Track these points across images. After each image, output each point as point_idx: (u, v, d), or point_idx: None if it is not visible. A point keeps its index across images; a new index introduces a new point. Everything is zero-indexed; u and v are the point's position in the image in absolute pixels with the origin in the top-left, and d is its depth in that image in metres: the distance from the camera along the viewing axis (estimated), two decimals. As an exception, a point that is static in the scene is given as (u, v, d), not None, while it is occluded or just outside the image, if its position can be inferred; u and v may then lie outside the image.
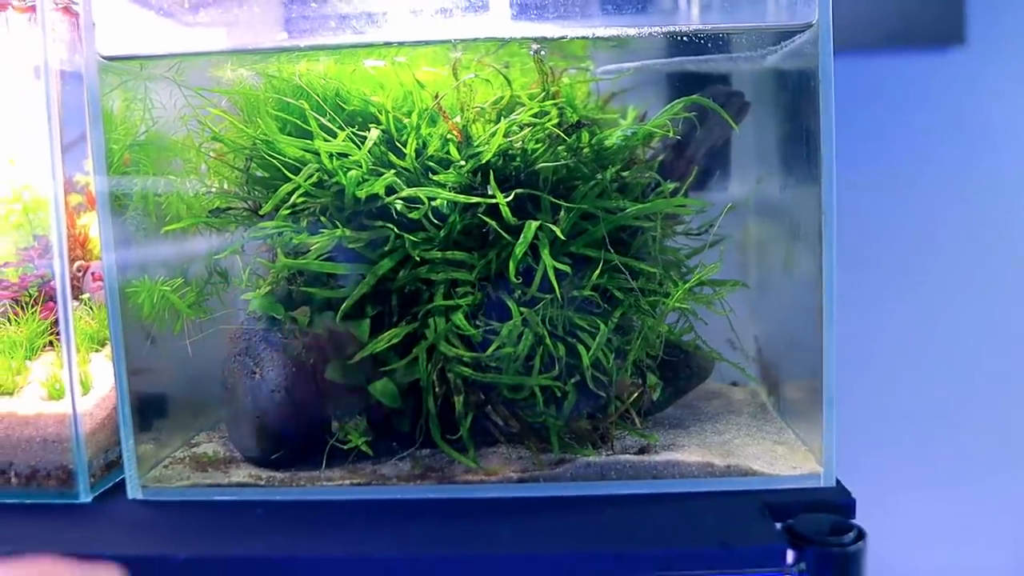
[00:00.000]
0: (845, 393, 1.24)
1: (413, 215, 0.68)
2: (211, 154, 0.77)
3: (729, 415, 0.81)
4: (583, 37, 0.70)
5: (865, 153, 1.28)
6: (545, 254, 0.67)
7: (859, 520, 0.63)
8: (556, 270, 0.67)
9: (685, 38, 0.71)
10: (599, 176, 0.71)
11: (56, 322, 0.74)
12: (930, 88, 1.27)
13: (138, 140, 0.76)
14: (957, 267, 1.29)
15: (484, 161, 0.68)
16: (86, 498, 0.71)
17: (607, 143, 0.72)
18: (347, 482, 0.70)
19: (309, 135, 0.72)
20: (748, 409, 0.84)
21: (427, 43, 0.73)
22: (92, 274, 0.79)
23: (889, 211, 1.29)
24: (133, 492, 0.71)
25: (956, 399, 1.30)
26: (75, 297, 0.79)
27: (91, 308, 0.79)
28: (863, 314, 1.28)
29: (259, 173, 0.76)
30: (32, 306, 0.78)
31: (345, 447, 0.72)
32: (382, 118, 0.72)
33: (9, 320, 0.77)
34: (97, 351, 0.78)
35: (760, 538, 0.58)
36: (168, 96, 0.77)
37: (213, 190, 0.78)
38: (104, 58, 0.68)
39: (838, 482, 0.67)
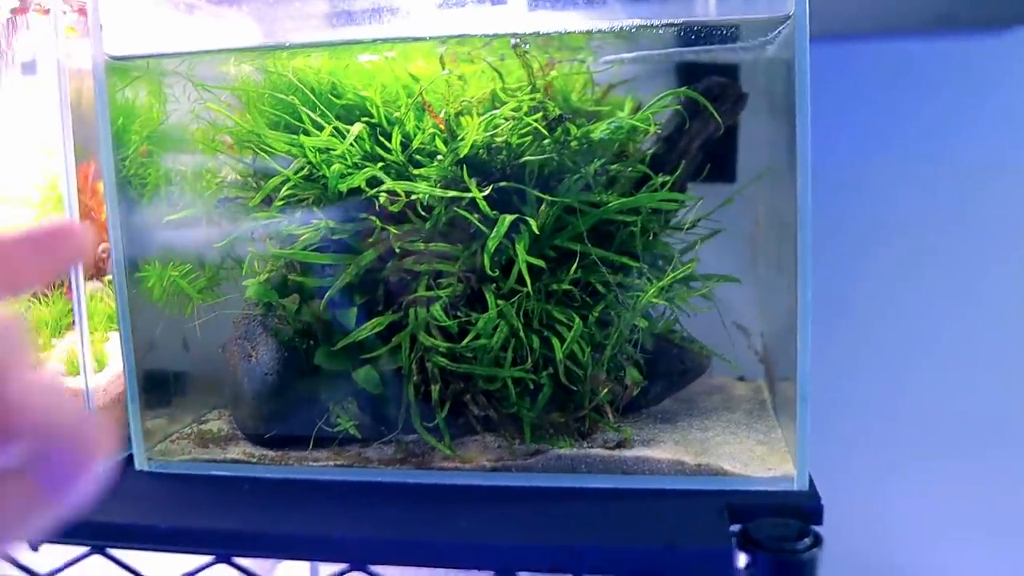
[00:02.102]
0: (850, 394, 1.19)
1: (393, 208, 0.70)
2: (221, 146, 0.81)
3: (724, 411, 0.80)
4: (564, 32, 0.70)
5: (907, 143, 1.22)
6: (520, 248, 0.68)
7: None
8: (534, 264, 0.68)
9: (680, 30, 0.70)
10: (583, 170, 0.71)
11: (78, 303, 0.79)
12: (983, 73, 1.19)
13: (154, 132, 0.80)
14: (993, 260, 1.21)
15: (463, 155, 0.69)
16: (98, 467, 0.76)
17: (593, 136, 0.72)
18: (331, 463, 0.73)
19: (307, 129, 0.74)
20: (745, 406, 0.82)
21: (423, 39, 0.74)
22: (113, 258, 0.84)
23: (929, 202, 1.22)
24: (140, 464, 0.76)
25: (976, 399, 1.23)
26: (98, 278, 0.85)
27: (112, 289, 0.84)
28: (896, 307, 1.22)
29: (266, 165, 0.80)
30: (59, 287, 0.84)
31: (333, 429, 0.75)
32: (373, 112, 0.74)
33: (39, 300, 0.83)
34: (116, 330, 0.83)
35: (709, 540, 0.58)
36: (182, 90, 0.81)
37: (227, 180, 0.82)
38: (112, 58, 0.72)
39: (812, 485, 0.66)
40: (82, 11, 0.75)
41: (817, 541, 0.58)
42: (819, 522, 0.62)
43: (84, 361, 0.75)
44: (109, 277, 0.86)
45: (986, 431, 1.20)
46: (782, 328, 0.80)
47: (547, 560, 0.58)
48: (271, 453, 0.75)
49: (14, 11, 0.72)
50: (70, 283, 0.84)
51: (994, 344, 1.20)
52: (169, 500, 0.70)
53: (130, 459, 0.78)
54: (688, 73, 0.82)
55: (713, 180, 0.84)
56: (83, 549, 0.66)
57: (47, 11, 0.72)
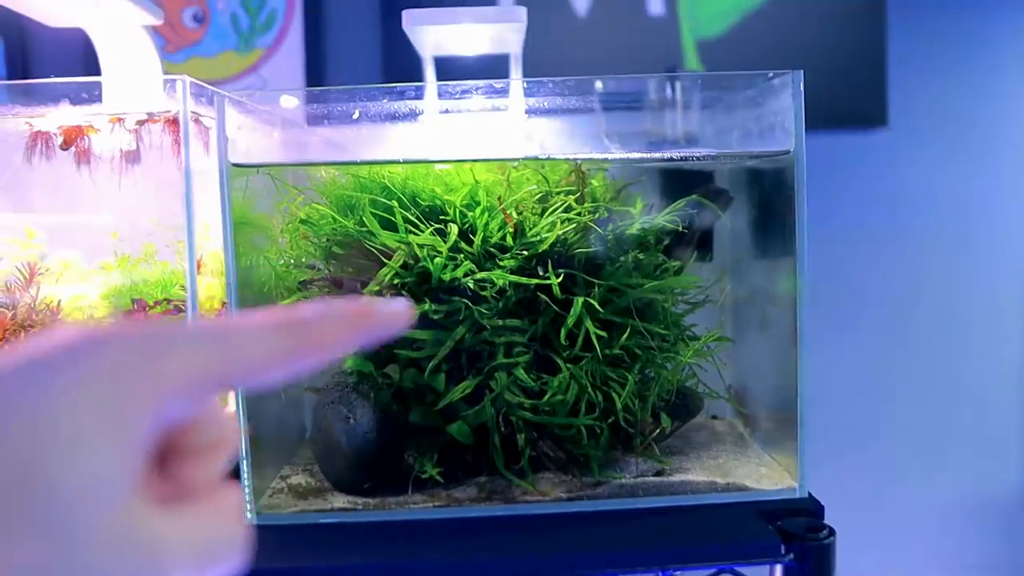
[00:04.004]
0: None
1: (485, 293, 0.87)
2: (301, 236, 0.94)
3: (717, 444, 1.02)
4: (609, 160, 0.90)
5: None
6: (588, 323, 0.86)
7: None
8: (592, 333, 0.87)
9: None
10: (622, 259, 0.91)
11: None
12: (858, 163, 1.52)
13: (239, 221, 0.92)
14: (883, 308, 1.54)
15: (541, 251, 0.88)
16: (210, 523, 0.86)
17: (628, 232, 0.92)
18: (428, 504, 0.87)
19: (390, 225, 0.89)
20: (730, 439, 1.04)
21: (503, 160, 0.92)
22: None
23: (826, 265, 1.53)
24: (251, 518, 0.87)
25: (899, 419, 1.55)
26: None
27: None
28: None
29: (336, 251, 0.94)
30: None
31: (423, 476, 0.90)
32: (450, 211, 0.90)
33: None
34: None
35: (760, 536, 0.78)
36: (262, 185, 0.93)
37: (303, 265, 0.95)
38: (233, 165, 0.85)
39: (810, 494, 0.88)
40: (196, 121, 0.87)
41: (832, 532, 0.80)
42: (823, 518, 0.84)
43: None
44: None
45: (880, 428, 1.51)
46: (760, 375, 1.03)
47: (637, 559, 0.76)
48: (371, 501, 0.88)
49: (139, 122, 0.83)
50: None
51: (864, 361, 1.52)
52: (301, 547, 0.82)
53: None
54: (673, 176, 1.05)
55: (697, 260, 1.07)
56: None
57: (171, 120, 0.84)
